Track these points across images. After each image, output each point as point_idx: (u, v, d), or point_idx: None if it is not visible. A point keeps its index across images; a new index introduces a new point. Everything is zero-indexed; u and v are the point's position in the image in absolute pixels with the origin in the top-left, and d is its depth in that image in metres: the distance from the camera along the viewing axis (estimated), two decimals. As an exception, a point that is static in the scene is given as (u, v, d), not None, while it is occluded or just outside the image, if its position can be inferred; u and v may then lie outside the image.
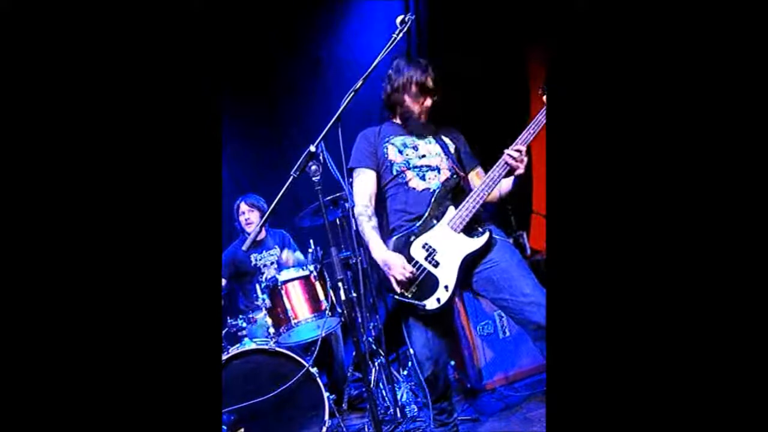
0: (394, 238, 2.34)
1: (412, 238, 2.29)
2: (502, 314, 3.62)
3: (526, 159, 2.20)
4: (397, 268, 2.22)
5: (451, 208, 2.29)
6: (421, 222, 2.31)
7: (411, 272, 2.22)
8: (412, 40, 4.05)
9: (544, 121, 2.20)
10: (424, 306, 2.23)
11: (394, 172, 2.40)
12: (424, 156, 2.40)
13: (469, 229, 2.26)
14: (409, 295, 2.25)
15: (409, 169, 2.38)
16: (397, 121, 2.53)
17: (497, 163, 2.24)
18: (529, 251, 3.84)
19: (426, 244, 2.27)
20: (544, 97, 2.27)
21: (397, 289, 2.24)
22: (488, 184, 2.24)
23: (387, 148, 2.44)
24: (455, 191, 2.35)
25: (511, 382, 3.53)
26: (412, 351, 2.40)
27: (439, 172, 2.37)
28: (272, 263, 3.81)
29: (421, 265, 2.25)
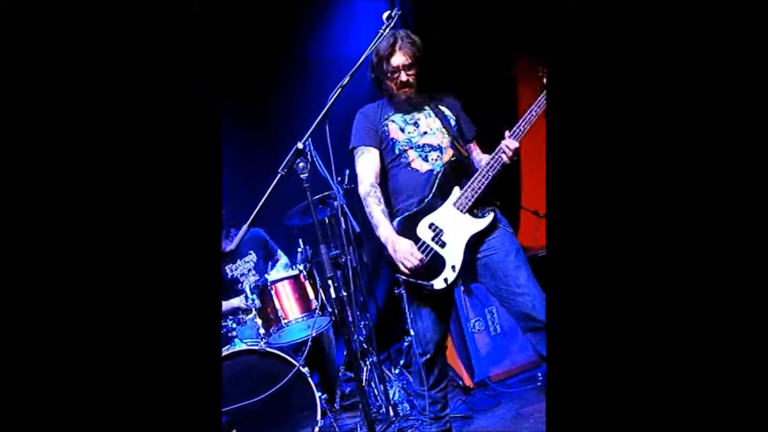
0: (400, 219, 2.33)
1: (418, 218, 2.29)
2: (493, 311, 3.63)
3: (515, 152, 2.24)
4: (405, 253, 2.21)
5: (456, 189, 2.29)
6: (425, 202, 2.30)
7: (420, 259, 2.21)
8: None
9: (536, 115, 2.23)
10: (432, 286, 2.24)
11: (397, 152, 2.37)
12: (425, 133, 2.36)
13: (474, 210, 2.27)
14: (416, 276, 2.25)
15: (411, 148, 2.35)
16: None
17: (498, 149, 2.25)
18: (518, 247, 3.84)
19: (432, 224, 2.28)
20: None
21: (406, 272, 2.24)
22: (493, 166, 2.25)
23: (388, 126, 2.40)
24: (459, 171, 2.35)
25: (503, 378, 3.53)
26: (413, 332, 2.40)
27: (441, 152, 2.34)
28: (250, 270, 3.66)
29: (428, 246, 2.26)
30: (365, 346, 3.44)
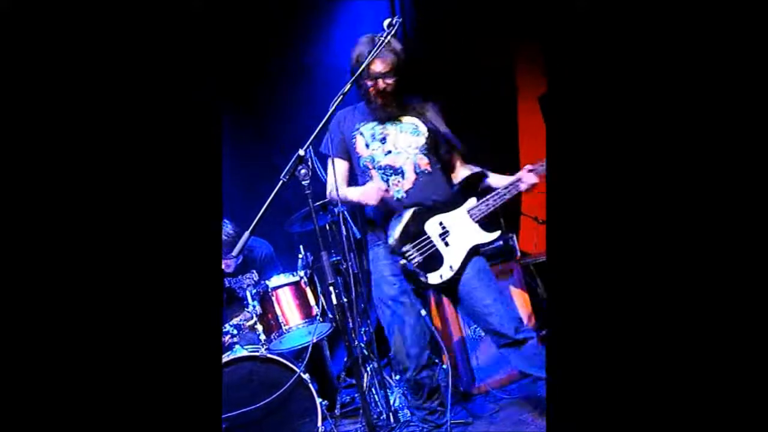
0: (413, 210, 2.34)
1: (431, 214, 2.35)
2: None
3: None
4: (369, 191, 2.26)
5: (473, 199, 2.35)
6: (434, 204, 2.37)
7: (385, 189, 2.27)
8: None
9: None
10: (427, 279, 2.31)
11: (362, 166, 2.41)
12: (389, 152, 2.37)
13: (484, 223, 2.34)
14: (415, 264, 2.30)
15: (374, 168, 2.38)
16: None
17: (517, 178, 2.30)
18: (518, 253, 3.85)
19: (442, 222, 2.34)
20: None
21: (372, 203, 2.28)
22: (510, 190, 2.30)
23: (356, 138, 2.42)
24: (432, 187, 2.39)
25: (504, 384, 3.52)
26: (391, 352, 2.45)
27: (403, 177, 2.36)
28: (249, 286, 3.60)
29: (431, 241, 2.31)
30: (366, 352, 3.44)
